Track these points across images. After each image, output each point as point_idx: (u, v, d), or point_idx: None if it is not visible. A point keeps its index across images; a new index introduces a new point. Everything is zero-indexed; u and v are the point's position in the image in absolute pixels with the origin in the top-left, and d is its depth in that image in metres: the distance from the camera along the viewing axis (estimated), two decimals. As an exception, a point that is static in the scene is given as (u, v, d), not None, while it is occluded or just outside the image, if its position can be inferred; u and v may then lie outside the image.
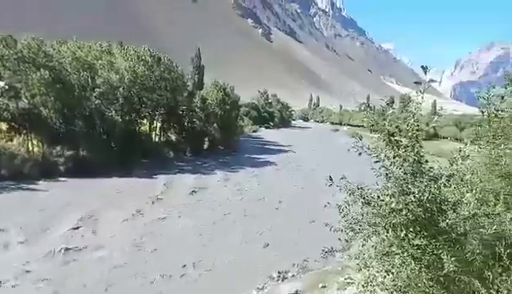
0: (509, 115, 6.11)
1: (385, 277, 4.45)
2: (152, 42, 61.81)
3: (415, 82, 4.17)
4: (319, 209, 5.48)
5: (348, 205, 4.66)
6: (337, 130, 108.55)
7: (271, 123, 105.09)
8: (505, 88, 6.21)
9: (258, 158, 41.75)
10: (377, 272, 4.52)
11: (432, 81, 4.15)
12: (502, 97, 5.84)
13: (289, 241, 16.42)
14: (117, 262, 13.20)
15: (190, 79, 60.86)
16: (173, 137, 41.86)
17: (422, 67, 3.99)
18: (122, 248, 14.46)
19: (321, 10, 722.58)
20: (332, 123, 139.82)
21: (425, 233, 4.20)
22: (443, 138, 66.73)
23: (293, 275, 13.49)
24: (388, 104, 4.50)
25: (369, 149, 4.49)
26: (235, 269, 13.46)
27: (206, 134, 44.16)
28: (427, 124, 4.35)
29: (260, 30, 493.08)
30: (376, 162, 4.41)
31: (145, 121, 38.47)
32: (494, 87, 5.80)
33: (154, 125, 40.57)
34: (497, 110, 5.95)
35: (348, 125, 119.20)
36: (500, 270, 4.00)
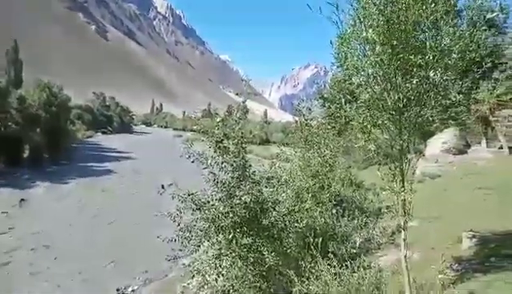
0: (316, 124, 7.37)
1: (216, 279, 4.60)
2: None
3: (236, 94, 4.50)
4: (160, 218, 5.25)
5: (180, 212, 4.64)
6: (180, 136, 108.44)
7: (110, 128, 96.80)
8: (316, 101, 7.46)
9: (93, 167, 37.82)
10: (209, 276, 4.64)
11: (255, 94, 4.59)
12: (310, 109, 6.96)
13: (128, 253, 15.39)
14: None
15: (5, 75, 50.41)
16: (-22, 145, 33.50)
17: (242, 79, 4.35)
18: None
19: (161, 14, 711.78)
20: (175, 129, 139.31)
21: (250, 233, 4.56)
22: (273, 143, 75.40)
23: (133, 290, 12.71)
24: (217, 113, 4.69)
25: (199, 155, 4.58)
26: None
27: (28, 140, 37.13)
28: (250, 132, 4.74)
29: (94, 27, 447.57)
30: (205, 168, 4.54)
31: None
32: (303, 101, 6.87)
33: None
34: (307, 120, 7.06)
35: (192, 131, 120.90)
36: (310, 259, 4.66)
